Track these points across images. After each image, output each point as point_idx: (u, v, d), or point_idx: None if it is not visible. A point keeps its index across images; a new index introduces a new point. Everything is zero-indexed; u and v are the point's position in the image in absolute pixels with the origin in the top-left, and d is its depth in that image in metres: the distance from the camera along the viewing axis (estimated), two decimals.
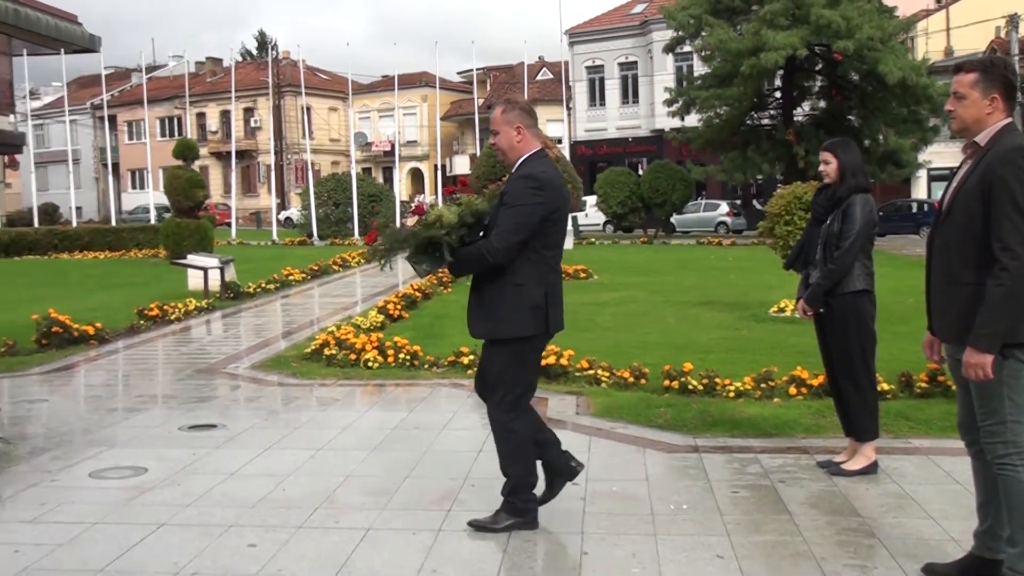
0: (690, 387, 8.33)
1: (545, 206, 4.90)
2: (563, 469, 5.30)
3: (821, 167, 6.22)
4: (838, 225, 5.96)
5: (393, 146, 54.71)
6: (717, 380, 8.34)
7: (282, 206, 57.08)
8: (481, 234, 5.03)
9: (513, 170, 5.08)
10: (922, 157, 39.91)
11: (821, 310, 6.04)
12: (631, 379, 8.77)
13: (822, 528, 5.05)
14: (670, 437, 7.02)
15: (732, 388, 8.21)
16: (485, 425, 7.44)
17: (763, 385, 8.23)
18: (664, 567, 4.52)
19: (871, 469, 5.97)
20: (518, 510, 5.10)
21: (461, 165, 61.92)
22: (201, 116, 70.68)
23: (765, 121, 40.64)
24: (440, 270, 5.28)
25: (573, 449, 6.64)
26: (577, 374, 9.09)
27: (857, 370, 6.01)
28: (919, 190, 48.30)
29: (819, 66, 39.28)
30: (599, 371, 9.02)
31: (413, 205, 5.34)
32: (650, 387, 8.58)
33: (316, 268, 23.45)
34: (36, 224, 43.76)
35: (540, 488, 5.19)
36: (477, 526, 5.11)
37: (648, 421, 7.47)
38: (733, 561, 4.58)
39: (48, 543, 5.02)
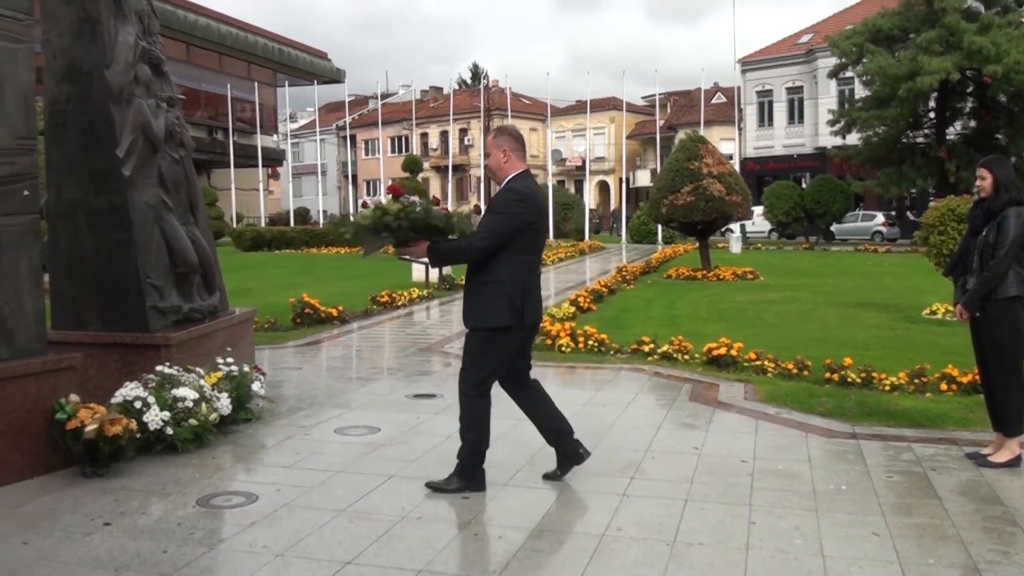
0: (849, 380, 8.02)
1: (525, 216, 5.00)
2: (573, 455, 5.36)
3: (977, 182, 5.88)
4: (993, 236, 5.63)
5: (584, 161, 54.79)
6: (874, 374, 8.00)
7: None
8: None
9: (501, 186, 5.15)
10: None
11: (977, 314, 5.72)
12: (794, 370, 8.51)
13: (969, 514, 4.78)
14: (830, 424, 6.78)
15: (888, 382, 7.86)
16: (663, 405, 7.46)
17: (916, 380, 7.84)
18: (824, 541, 4.37)
19: (1016, 462, 5.62)
20: (468, 474, 5.13)
21: (643, 178, 61.40)
22: (424, 135, 72.45)
23: (919, 139, 38.79)
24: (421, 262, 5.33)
25: (740, 430, 6.58)
26: (745, 364, 8.89)
27: (1008, 370, 5.67)
28: None
29: (970, 88, 37.30)
30: (765, 362, 8.80)
31: (367, 200, 5.36)
32: (812, 378, 8.30)
33: None
34: (291, 224, 45.94)
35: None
36: (433, 487, 5.15)
37: (810, 408, 7.23)
38: (888, 540, 4.39)
39: (302, 485, 5.28)
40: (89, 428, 5.32)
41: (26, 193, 5.62)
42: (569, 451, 5.37)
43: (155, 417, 5.79)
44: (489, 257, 4.99)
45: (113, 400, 5.84)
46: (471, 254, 5.03)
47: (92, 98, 6.68)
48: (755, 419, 6.95)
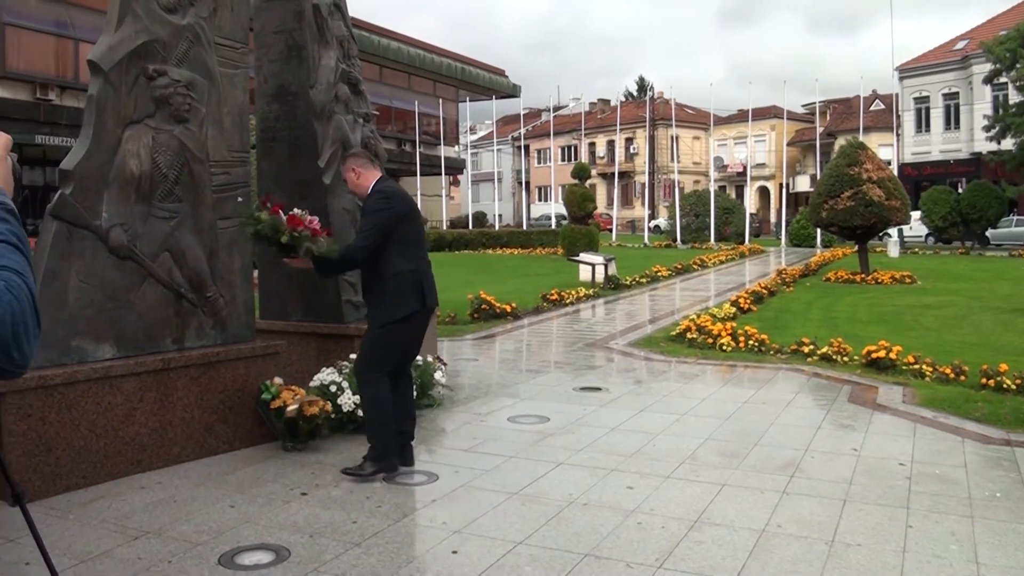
0: (1004, 386, 7.41)
1: (394, 210, 5.08)
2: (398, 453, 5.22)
3: None
4: None
5: (745, 168, 53.31)
6: None
7: (652, 216, 57.18)
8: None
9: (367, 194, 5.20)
10: None
11: None
12: (952, 375, 7.94)
13: None
14: (985, 430, 6.27)
15: None
16: (822, 406, 7.11)
17: None
18: (979, 548, 4.02)
19: None
20: (378, 457, 5.06)
21: (803, 183, 59.15)
22: (592, 144, 72.36)
23: None
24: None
25: (898, 433, 6.20)
26: (904, 367, 8.36)
27: None
28: None
29: None
30: (923, 366, 8.25)
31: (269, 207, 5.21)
32: (968, 383, 7.72)
33: (679, 267, 23.32)
34: (470, 227, 46.83)
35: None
36: (348, 472, 5.06)
37: (966, 413, 6.72)
38: None
39: (478, 468, 5.32)
40: (290, 408, 5.55)
41: (239, 199, 5.91)
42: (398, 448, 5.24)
43: (348, 400, 5.97)
44: (379, 257, 5.05)
45: (312, 383, 6.07)
46: (358, 255, 5.10)
47: (298, 115, 6.97)
48: (912, 422, 6.51)
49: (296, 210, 5.22)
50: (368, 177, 5.29)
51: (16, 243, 1.56)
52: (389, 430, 5.15)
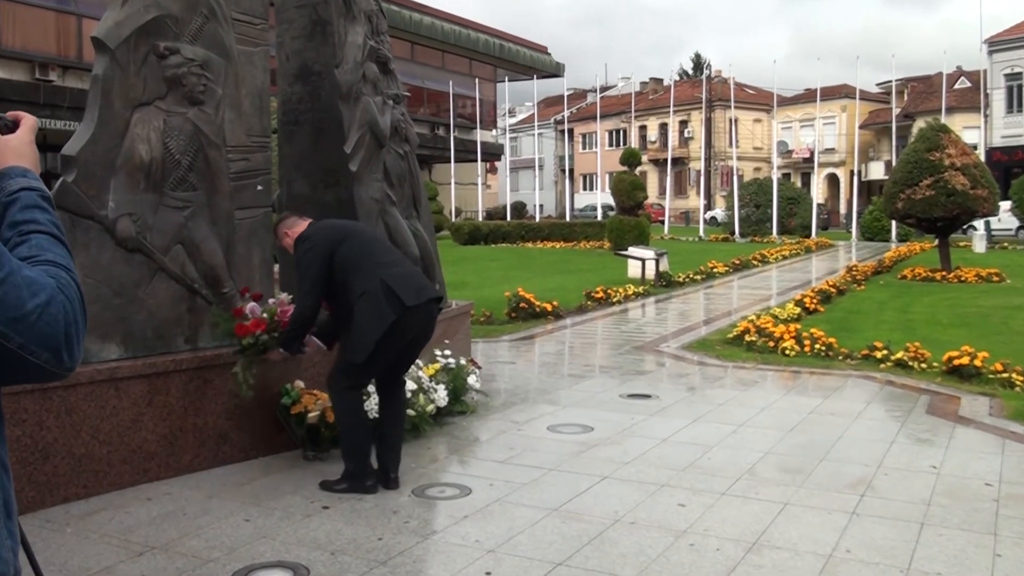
0: None
1: (316, 249, 5.06)
2: (383, 479, 5.19)
3: None
4: None
5: (812, 153, 52.71)
6: None
7: (708, 207, 56.78)
8: None
9: None
10: None
11: None
12: None
13: None
14: None
15: None
16: (897, 417, 7.00)
17: None
18: None
19: None
20: (352, 475, 5.07)
21: (876, 170, 58.34)
22: (643, 128, 72.04)
23: None
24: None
25: (984, 449, 6.08)
26: (990, 376, 8.20)
27: None
28: None
29: None
30: (1013, 375, 8.08)
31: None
32: None
33: (737, 262, 23.15)
34: (508, 218, 46.91)
35: None
36: (324, 485, 5.10)
37: None
38: None
39: (515, 481, 5.31)
40: (312, 414, 5.58)
41: (259, 188, 5.96)
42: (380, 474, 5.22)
43: (374, 406, 5.97)
44: (340, 291, 5.05)
45: None
46: (306, 313, 5.12)
47: (322, 97, 7.00)
48: (1001, 438, 6.37)
49: (272, 300, 5.41)
50: (296, 232, 5.31)
51: (57, 234, 1.60)
52: (364, 452, 5.14)
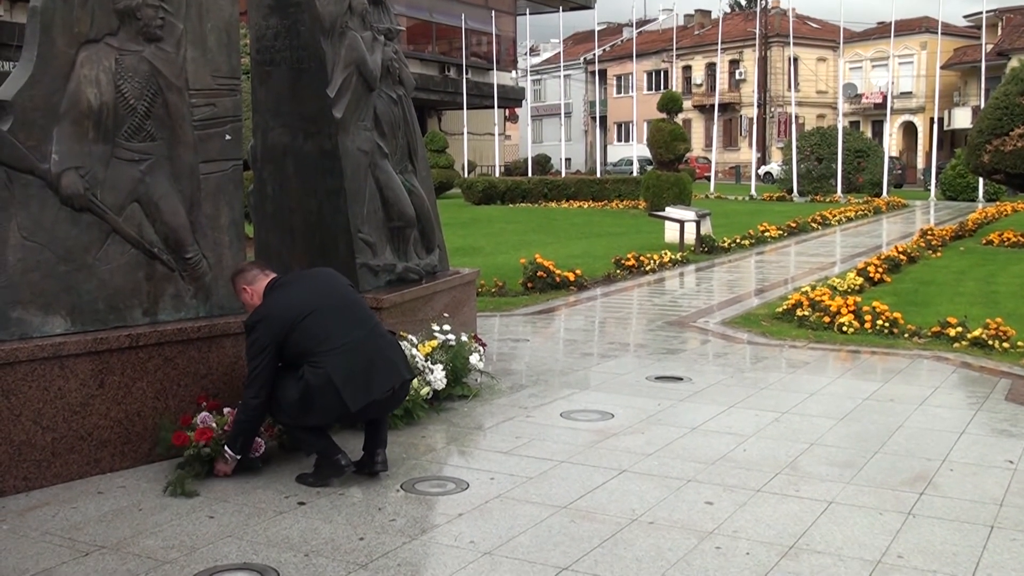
0: None
1: (263, 337, 5.06)
2: (368, 463, 5.33)
3: None
4: None
5: (885, 98, 52.18)
6: None
7: (762, 161, 56.56)
8: None
9: None
10: None
11: None
12: None
13: None
14: None
15: None
16: (971, 404, 6.99)
17: None
18: None
19: None
20: (321, 455, 5.21)
21: (962, 118, 57.67)
22: (687, 69, 71.66)
23: None
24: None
25: None
26: None
27: None
28: None
29: None
30: None
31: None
32: None
33: (794, 225, 23.06)
34: (529, 174, 46.80)
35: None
36: (300, 479, 5.22)
37: None
38: None
39: (519, 475, 5.35)
40: None
41: (228, 138, 5.98)
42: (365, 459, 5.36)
43: None
44: (287, 375, 5.11)
45: None
46: (252, 410, 5.14)
47: (301, 32, 7.00)
48: None
49: (227, 409, 5.40)
50: (258, 294, 5.32)
51: None
52: (319, 432, 5.26)
